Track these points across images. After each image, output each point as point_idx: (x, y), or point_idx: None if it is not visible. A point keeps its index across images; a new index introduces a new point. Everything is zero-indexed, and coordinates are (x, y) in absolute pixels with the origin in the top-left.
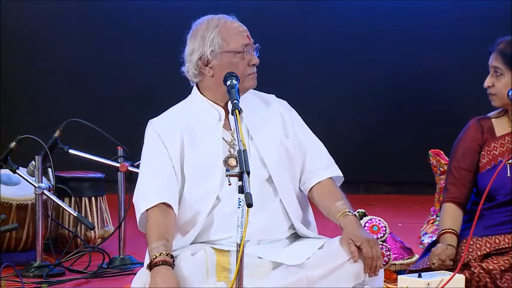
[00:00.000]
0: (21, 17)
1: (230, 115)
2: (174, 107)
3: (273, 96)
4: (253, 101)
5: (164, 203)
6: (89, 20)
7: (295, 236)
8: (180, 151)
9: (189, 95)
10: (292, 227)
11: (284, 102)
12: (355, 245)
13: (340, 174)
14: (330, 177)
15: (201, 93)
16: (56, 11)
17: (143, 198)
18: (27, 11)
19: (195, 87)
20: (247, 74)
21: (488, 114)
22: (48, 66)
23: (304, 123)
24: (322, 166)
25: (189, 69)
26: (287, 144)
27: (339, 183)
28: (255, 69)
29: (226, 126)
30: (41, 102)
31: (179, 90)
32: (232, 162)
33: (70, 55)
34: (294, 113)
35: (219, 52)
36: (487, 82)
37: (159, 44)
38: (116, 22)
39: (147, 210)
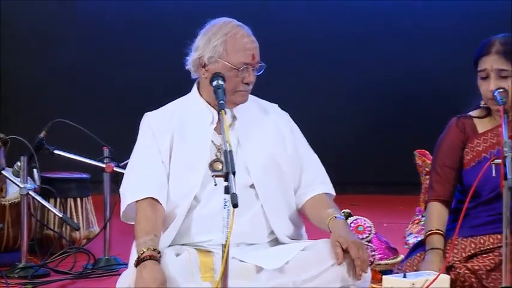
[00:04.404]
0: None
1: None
2: (172, 102)
3: (276, 106)
4: (251, 108)
5: (153, 198)
6: (71, 20)
7: (277, 241)
8: (169, 148)
9: (189, 93)
10: (272, 233)
11: (285, 114)
12: (342, 247)
13: (334, 193)
14: (325, 193)
15: (200, 93)
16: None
17: (131, 190)
18: None
19: (195, 86)
20: (238, 90)
21: (469, 113)
22: (33, 66)
23: (304, 138)
24: (318, 181)
25: (189, 62)
26: (277, 156)
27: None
28: (249, 87)
29: (218, 129)
30: (26, 103)
31: (168, 92)
32: (218, 166)
33: (55, 55)
34: (294, 126)
35: (217, 60)
36: (493, 86)
37: (148, 44)
38: (96, 22)
39: (135, 202)
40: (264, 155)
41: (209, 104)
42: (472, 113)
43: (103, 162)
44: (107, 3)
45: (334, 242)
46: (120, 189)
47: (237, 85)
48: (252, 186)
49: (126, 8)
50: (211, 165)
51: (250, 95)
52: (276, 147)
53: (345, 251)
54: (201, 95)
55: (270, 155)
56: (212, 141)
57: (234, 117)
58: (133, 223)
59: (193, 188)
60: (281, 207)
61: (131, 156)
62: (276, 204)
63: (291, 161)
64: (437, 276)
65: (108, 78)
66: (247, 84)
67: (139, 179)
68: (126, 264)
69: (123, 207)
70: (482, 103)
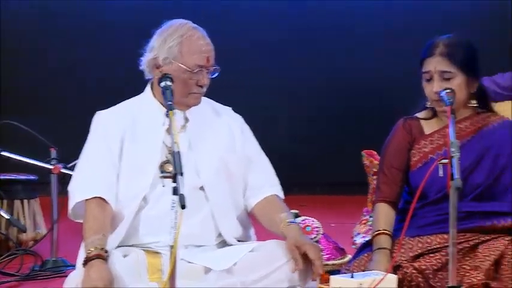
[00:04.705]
0: None
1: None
2: (124, 102)
3: (229, 109)
4: (204, 111)
5: (101, 198)
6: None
7: (225, 243)
8: (120, 148)
9: (143, 92)
10: (221, 235)
11: (238, 117)
12: (299, 252)
13: (282, 196)
14: (276, 194)
15: (153, 94)
16: None
17: (79, 189)
18: None
19: (148, 86)
20: (191, 92)
21: (416, 114)
22: None
23: (255, 140)
24: (268, 184)
25: (143, 63)
26: (228, 159)
27: None
28: (203, 90)
29: (170, 131)
30: None
31: (120, 92)
32: (168, 167)
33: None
34: (246, 128)
35: (172, 61)
36: (437, 87)
37: (100, 46)
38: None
39: (84, 201)
40: (215, 158)
41: (162, 105)
42: (419, 115)
43: (50, 164)
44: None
45: (291, 247)
46: (68, 187)
47: (190, 87)
48: (202, 188)
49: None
50: (161, 167)
51: (204, 97)
52: (227, 149)
53: (303, 255)
54: (155, 96)
55: (221, 158)
56: (163, 142)
57: (186, 119)
58: (81, 221)
59: (142, 189)
60: (230, 209)
61: (81, 154)
62: (225, 207)
63: (240, 164)
64: (384, 276)
65: (59, 79)
66: (201, 86)
67: (88, 178)
68: (73, 266)
69: (71, 206)
70: (428, 104)
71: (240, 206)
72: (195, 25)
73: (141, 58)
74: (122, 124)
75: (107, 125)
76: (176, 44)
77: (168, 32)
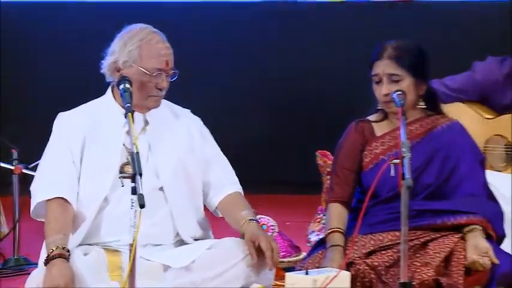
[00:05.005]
0: None
1: (135, 123)
2: (86, 104)
3: (188, 111)
4: (163, 113)
5: (63, 198)
6: None
7: (183, 242)
8: (81, 149)
9: (104, 95)
10: (178, 235)
11: (197, 119)
12: (254, 246)
13: (242, 193)
14: (238, 192)
15: (114, 97)
16: None
17: (41, 189)
18: None
19: (109, 89)
20: (151, 95)
21: (368, 117)
22: None
23: (214, 141)
24: (229, 182)
25: (104, 66)
26: (187, 160)
27: None
28: (162, 93)
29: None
30: None
31: (82, 94)
32: (129, 169)
33: None
34: (205, 130)
35: (132, 65)
36: (385, 90)
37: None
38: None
39: (46, 201)
40: (174, 159)
41: (122, 107)
42: (370, 117)
43: (11, 164)
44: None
45: (248, 242)
46: (31, 187)
47: (150, 90)
48: (161, 189)
49: None
50: (122, 168)
51: (164, 100)
52: (185, 151)
53: (257, 249)
54: (115, 99)
55: (180, 159)
56: (124, 144)
57: (146, 122)
58: (43, 220)
59: (103, 190)
60: (189, 210)
61: (43, 154)
62: (184, 207)
63: (199, 165)
64: (338, 273)
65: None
66: (160, 89)
67: (50, 178)
68: (35, 264)
69: (33, 205)
70: (379, 106)
71: (199, 207)
72: (155, 29)
73: (102, 61)
74: (83, 126)
75: (68, 126)
76: (136, 47)
77: (129, 35)
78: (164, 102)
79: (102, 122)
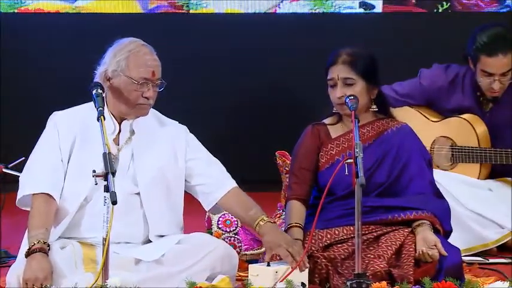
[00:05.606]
0: None
1: (122, 132)
2: (81, 106)
3: (175, 122)
4: (149, 122)
5: (48, 194)
6: None
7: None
8: (70, 149)
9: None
10: (148, 237)
11: (183, 128)
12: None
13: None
14: (237, 187)
15: (107, 103)
16: None
17: (30, 182)
18: None
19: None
20: (138, 103)
21: (323, 120)
22: None
23: (201, 145)
24: (224, 177)
25: (97, 75)
26: (168, 168)
27: None
28: (149, 102)
29: (116, 140)
30: None
31: (67, 96)
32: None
33: None
34: (190, 136)
35: (120, 74)
36: (339, 93)
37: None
38: None
39: (32, 194)
40: (154, 169)
41: (113, 115)
42: (326, 120)
43: None
44: None
45: (267, 250)
46: (20, 178)
47: (137, 99)
48: (138, 193)
49: None
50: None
51: (153, 110)
52: (167, 161)
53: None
54: (107, 106)
55: (160, 168)
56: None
57: (132, 132)
58: (27, 209)
59: (84, 190)
60: (164, 213)
61: (34, 148)
62: (160, 211)
63: (180, 172)
64: (297, 264)
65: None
66: (147, 98)
67: (38, 173)
68: (15, 257)
69: (19, 196)
70: (334, 110)
71: (177, 212)
72: (144, 43)
73: (95, 71)
74: (75, 127)
75: (61, 125)
76: (124, 58)
77: (119, 47)
78: (152, 111)
79: (92, 127)
